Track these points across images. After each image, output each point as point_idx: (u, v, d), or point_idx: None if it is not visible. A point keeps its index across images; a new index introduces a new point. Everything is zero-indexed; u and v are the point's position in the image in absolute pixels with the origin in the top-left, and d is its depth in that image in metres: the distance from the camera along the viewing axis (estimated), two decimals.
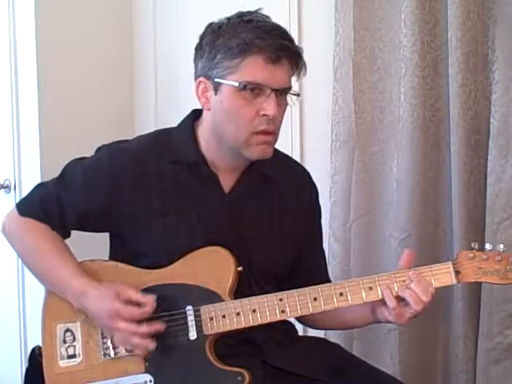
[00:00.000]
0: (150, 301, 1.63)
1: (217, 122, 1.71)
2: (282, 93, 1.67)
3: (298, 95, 1.73)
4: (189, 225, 1.73)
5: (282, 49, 1.64)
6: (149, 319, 1.65)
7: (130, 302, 1.64)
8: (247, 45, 1.62)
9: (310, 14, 2.66)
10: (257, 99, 1.64)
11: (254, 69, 1.63)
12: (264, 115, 1.64)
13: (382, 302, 1.64)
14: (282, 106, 1.69)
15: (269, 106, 1.64)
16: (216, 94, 1.69)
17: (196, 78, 1.73)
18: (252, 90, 1.64)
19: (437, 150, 2.39)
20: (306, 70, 1.74)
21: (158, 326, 1.63)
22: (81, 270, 1.73)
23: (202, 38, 1.71)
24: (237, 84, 1.63)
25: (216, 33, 1.67)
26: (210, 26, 1.70)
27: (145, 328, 1.62)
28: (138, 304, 1.64)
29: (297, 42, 2.56)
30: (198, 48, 1.72)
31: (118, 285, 1.67)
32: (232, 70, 1.64)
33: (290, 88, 1.69)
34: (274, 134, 1.69)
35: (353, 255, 2.51)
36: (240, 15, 1.68)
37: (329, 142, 2.52)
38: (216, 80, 1.67)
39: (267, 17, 1.70)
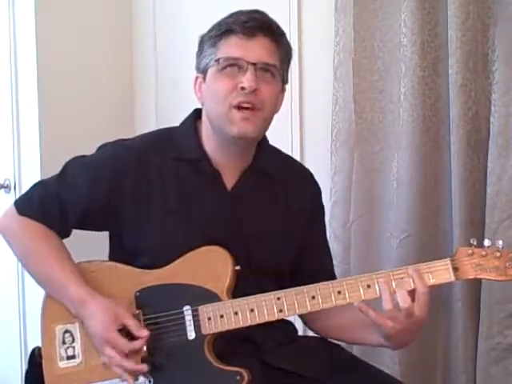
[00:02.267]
0: (143, 336, 1.63)
1: (206, 107, 1.75)
2: (262, 68, 1.68)
3: (274, 66, 1.71)
4: (189, 223, 1.73)
5: (254, 24, 1.68)
6: (146, 320, 1.67)
7: (124, 329, 1.64)
8: (221, 26, 1.70)
9: (309, 13, 2.66)
10: (237, 75, 1.67)
11: (229, 46, 1.68)
12: (242, 88, 1.65)
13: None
14: (265, 81, 1.69)
15: (245, 78, 1.65)
16: (205, 82, 1.74)
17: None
18: (230, 66, 1.68)
19: (437, 149, 2.38)
20: (290, 53, 1.78)
21: (142, 367, 1.62)
22: (79, 276, 1.72)
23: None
24: (214, 62, 1.69)
25: (205, 32, 1.75)
26: None
27: (129, 365, 1.62)
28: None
29: (297, 42, 2.60)
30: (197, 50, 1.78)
31: (119, 308, 1.66)
32: (214, 55, 1.69)
33: (272, 65, 1.70)
34: (254, 109, 1.68)
35: (353, 255, 2.51)
36: None
37: (329, 142, 2.52)
38: (204, 69, 1.73)
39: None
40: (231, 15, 1.72)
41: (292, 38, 2.54)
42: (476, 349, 2.33)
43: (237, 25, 1.67)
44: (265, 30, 1.69)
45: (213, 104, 1.71)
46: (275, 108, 1.76)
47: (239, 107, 1.67)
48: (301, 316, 1.86)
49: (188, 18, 2.91)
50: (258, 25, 1.68)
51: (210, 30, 1.73)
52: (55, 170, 1.82)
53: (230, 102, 1.66)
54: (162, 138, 1.81)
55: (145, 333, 1.63)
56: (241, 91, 1.65)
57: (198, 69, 1.77)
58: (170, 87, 2.96)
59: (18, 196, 2.61)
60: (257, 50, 1.67)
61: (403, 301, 1.57)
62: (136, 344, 1.63)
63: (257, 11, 1.72)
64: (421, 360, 2.45)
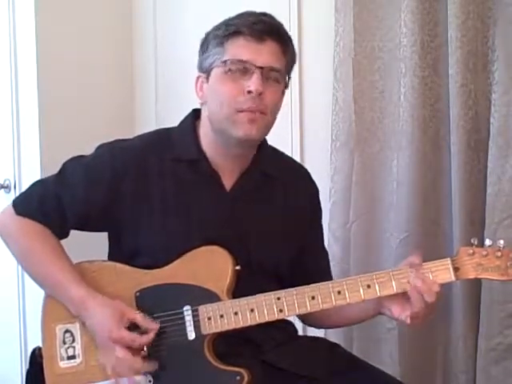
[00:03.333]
0: (153, 329, 1.63)
1: (208, 108, 1.73)
2: (269, 72, 1.67)
3: (280, 71, 1.70)
4: (189, 224, 1.73)
5: (263, 27, 1.67)
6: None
7: (132, 325, 1.64)
8: (229, 26, 1.68)
9: (310, 13, 2.66)
10: (243, 78, 1.66)
11: (237, 48, 1.67)
12: (249, 92, 1.65)
13: (393, 297, 1.64)
14: (270, 86, 1.68)
15: (252, 82, 1.64)
16: (208, 82, 1.72)
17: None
18: (237, 69, 1.66)
19: (437, 150, 2.39)
20: (295, 58, 1.78)
21: (151, 367, 1.62)
22: (78, 276, 1.71)
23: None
24: (221, 63, 1.67)
25: (210, 30, 1.73)
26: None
27: (139, 365, 1.62)
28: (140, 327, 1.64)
29: (297, 42, 2.60)
30: (199, 48, 1.77)
31: (123, 305, 1.66)
32: (220, 56, 1.68)
33: (278, 70, 1.69)
34: (261, 113, 1.67)
35: (353, 255, 2.51)
36: None
37: (329, 142, 2.52)
38: (208, 69, 1.71)
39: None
40: (239, 16, 1.70)
41: (292, 38, 2.54)
42: (476, 349, 2.33)
43: (245, 26, 1.66)
44: (274, 34, 1.68)
45: (217, 107, 1.70)
46: (277, 112, 1.75)
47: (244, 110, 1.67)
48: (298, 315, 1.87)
49: (188, 18, 2.91)
50: (267, 28, 1.67)
51: (217, 29, 1.71)
52: (55, 170, 1.82)
53: (236, 107, 1.66)
54: (161, 138, 1.81)
55: (155, 325, 1.64)
56: (247, 95, 1.65)
57: (200, 67, 1.75)
58: (170, 87, 2.96)
59: None
60: (265, 54, 1.66)
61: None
62: (147, 337, 1.63)
63: (265, 14, 1.71)
64: (421, 360, 2.45)
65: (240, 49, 1.67)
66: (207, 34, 1.74)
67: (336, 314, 1.76)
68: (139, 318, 1.64)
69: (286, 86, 1.78)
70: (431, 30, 2.35)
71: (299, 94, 2.65)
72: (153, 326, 1.64)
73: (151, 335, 1.63)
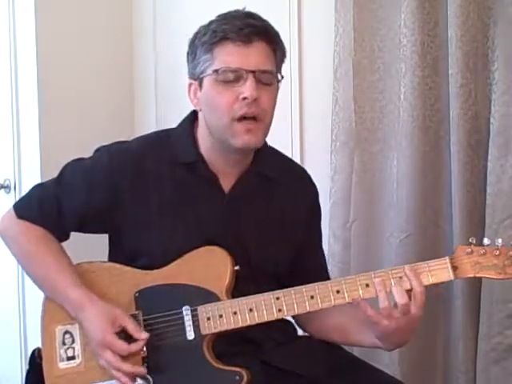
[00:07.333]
0: (142, 338, 1.63)
1: (205, 117, 1.73)
2: (261, 75, 1.66)
3: (281, 77, 1.71)
4: (187, 225, 1.73)
5: (250, 30, 1.65)
6: (146, 320, 1.67)
7: (123, 331, 1.64)
8: (216, 32, 1.66)
9: (310, 14, 2.66)
10: (236, 85, 1.65)
11: (226, 54, 1.65)
12: (244, 98, 1.64)
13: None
14: (264, 89, 1.67)
15: (246, 88, 1.63)
16: (201, 90, 1.71)
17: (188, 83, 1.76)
18: (229, 75, 1.65)
19: (437, 149, 2.38)
20: (285, 53, 1.76)
21: (141, 370, 1.63)
22: (78, 279, 1.72)
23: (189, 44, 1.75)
24: (212, 72, 1.66)
25: (195, 35, 1.72)
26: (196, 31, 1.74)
27: (127, 368, 1.62)
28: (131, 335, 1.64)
29: (297, 42, 2.60)
30: (187, 54, 1.75)
31: (117, 311, 1.66)
32: (210, 62, 1.67)
33: (270, 71, 1.68)
34: (258, 120, 1.67)
35: (353, 255, 2.51)
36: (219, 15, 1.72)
37: (329, 142, 2.52)
38: (200, 76, 1.69)
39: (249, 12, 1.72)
40: (225, 20, 1.68)
41: (292, 38, 2.55)
42: (476, 349, 2.33)
43: (233, 32, 1.64)
44: (261, 34, 1.67)
45: (213, 117, 1.69)
46: (274, 112, 1.74)
47: (241, 118, 1.65)
48: (295, 319, 1.87)
49: (188, 18, 2.90)
50: (254, 31, 1.65)
51: (203, 35, 1.69)
52: (55, 170, 1.82)
53: (233, 116, 1.65)
54: (159, 141, 1.81)
55: (144, 335, 1.63)
56: (242, 101, 1.64)
57: (191, 75, 1.74)
58: (170, 87, 2.96)
59: (17, 196, 2.64)
60: (254, 56, 1.65)
61: (401, 297, 1.57)
62: (134, 346, 1.63)
63: (251, 15, 1.69)
64: (421, 360, 2.45)
65: (230, 56, 1.65)
66: (193, 40, 1.72)
67: (340, 333, 1.80)
68: (130, 325, 1.64)
69: (279, 82, 1.76)
70: (431, 30, 2.35)
71: (299, 94, 2.64)
72: (142, 336, 1.63)
73: (140, 344, 1.63)
